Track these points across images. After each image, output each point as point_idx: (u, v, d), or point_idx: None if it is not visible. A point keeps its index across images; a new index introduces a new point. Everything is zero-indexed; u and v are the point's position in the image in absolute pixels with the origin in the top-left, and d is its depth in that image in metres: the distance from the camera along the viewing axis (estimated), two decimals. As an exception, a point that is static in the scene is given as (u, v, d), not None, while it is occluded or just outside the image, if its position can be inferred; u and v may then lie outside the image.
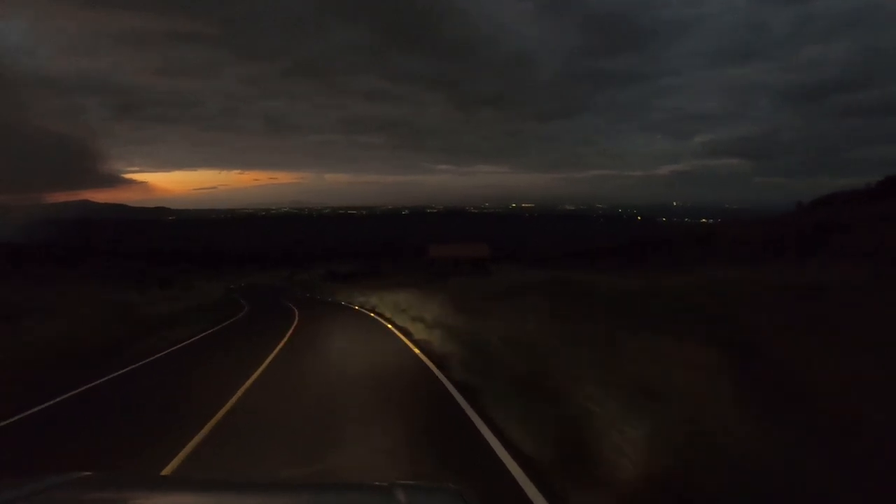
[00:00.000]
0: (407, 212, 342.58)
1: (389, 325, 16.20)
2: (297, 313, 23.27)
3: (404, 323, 15.75)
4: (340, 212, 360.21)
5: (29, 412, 6.78)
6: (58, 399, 7.54)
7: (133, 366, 10.42)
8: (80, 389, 8.17)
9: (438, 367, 8.81)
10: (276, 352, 11.40)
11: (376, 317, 19.67)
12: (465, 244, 60.90)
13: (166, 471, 4.40)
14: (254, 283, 72.97)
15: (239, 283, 69.55)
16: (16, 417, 6.54)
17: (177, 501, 1.57)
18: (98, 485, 1.67)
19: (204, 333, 16.60)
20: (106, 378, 9.14)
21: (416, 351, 10.74)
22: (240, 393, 7.39)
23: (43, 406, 7.13)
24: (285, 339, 13.64)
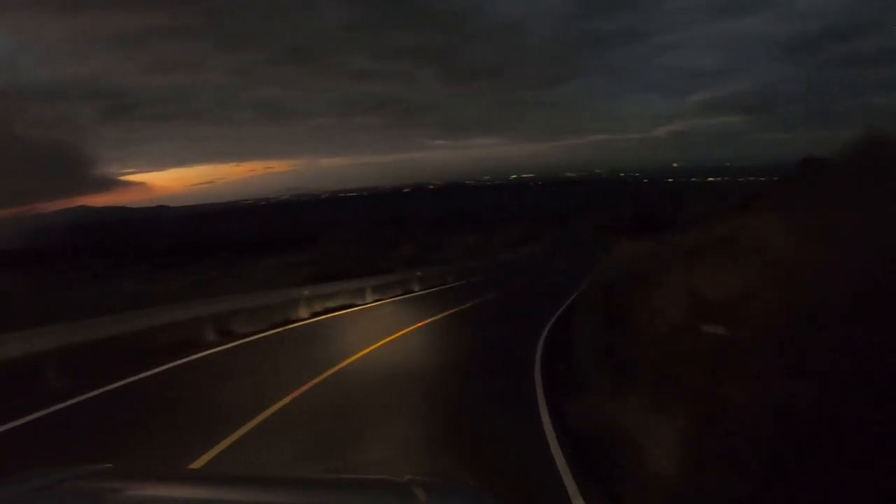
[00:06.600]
0: (408, 189, 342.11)
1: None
2: None
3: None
4: (340, 195, 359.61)
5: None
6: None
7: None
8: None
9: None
10: None
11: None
12: None
13: None
14: None
15: None
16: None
17: (195, 495, 1.57)
18: (119, 477, 1.71)
19: None
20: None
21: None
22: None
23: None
24: None
